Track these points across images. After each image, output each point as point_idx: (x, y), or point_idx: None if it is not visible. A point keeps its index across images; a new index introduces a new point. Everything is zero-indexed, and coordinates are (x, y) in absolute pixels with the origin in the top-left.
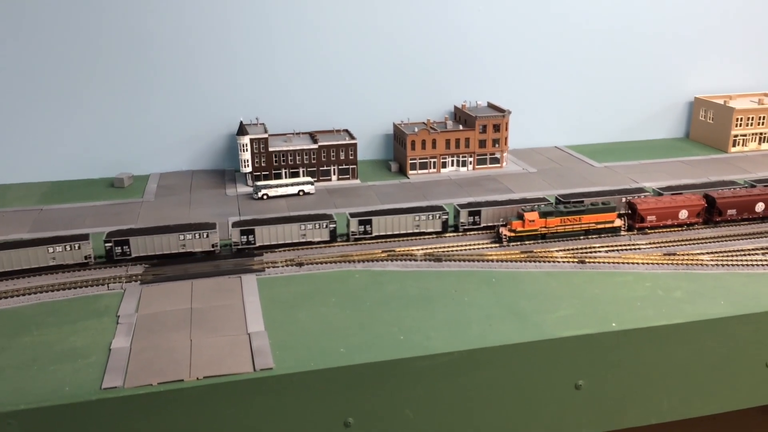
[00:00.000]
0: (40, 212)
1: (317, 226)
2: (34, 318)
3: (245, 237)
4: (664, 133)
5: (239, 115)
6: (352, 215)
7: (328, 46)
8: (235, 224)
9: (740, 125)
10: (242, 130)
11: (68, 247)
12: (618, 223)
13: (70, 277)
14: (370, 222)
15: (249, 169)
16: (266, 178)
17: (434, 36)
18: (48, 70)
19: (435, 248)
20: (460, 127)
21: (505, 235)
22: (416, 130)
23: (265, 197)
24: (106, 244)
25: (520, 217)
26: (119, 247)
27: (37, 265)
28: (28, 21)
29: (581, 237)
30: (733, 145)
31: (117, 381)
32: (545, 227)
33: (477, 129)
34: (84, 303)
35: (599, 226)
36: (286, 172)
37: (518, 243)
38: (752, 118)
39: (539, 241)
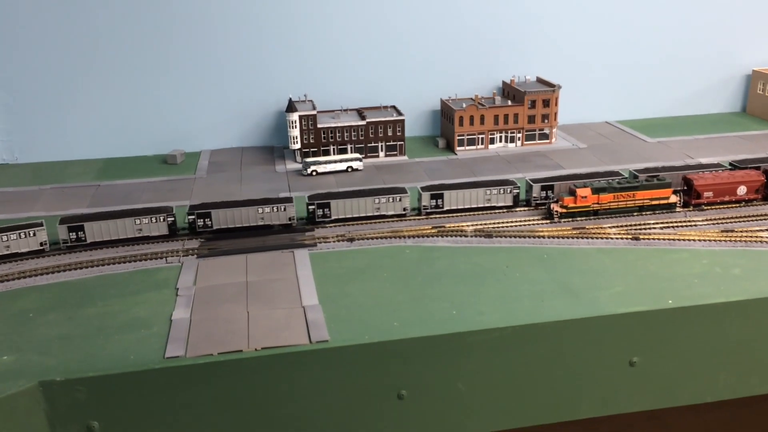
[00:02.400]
0: (98, 188)
1: (501, 191)
2: (98, 290)
3: (434, 201)
4: (720, 107)
5: (288, 92)
6: (534, 181)
7: (376, 22)
8: (424, 188)
9: None
10: (291, 107)
11: (275, 209)
12: (673, 199)
13: (130, 251)
14: (552, 188)
15: (298, 146)
16: (314, 154)
17: (482, 10)
18: (102, 50)
19: (485, 224)
20: (509, 103)
21: (556, 211)
22: (464, 105)
23: (314, 173)
24: (309, 206)
25: (572, 193)
26: (321, 210)
27: (248, 224)
28: (84, 1)
29: (635, 213)
30: None
31: (179, 351)
32: (598, 203)
33: (526, 104)
34: (144, 275)
35: (654, 203)
36: (334, 149)
37: (570, 219)
38: None
39: (591, 217)
